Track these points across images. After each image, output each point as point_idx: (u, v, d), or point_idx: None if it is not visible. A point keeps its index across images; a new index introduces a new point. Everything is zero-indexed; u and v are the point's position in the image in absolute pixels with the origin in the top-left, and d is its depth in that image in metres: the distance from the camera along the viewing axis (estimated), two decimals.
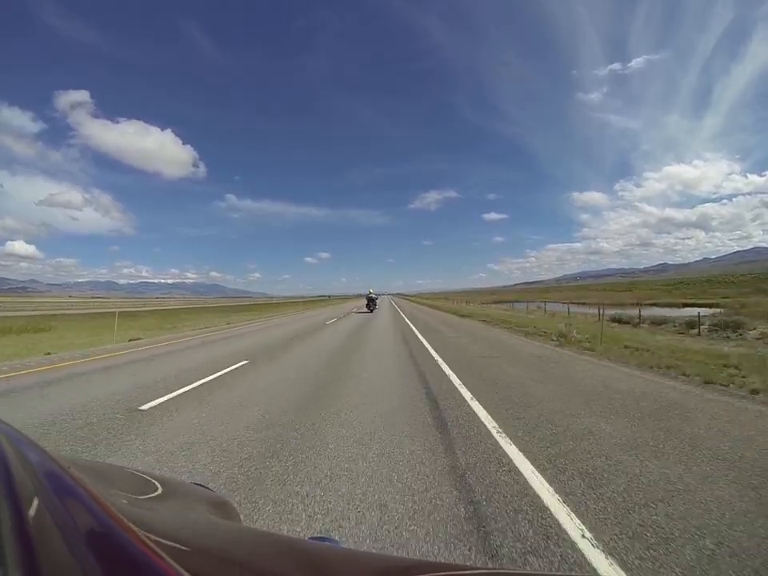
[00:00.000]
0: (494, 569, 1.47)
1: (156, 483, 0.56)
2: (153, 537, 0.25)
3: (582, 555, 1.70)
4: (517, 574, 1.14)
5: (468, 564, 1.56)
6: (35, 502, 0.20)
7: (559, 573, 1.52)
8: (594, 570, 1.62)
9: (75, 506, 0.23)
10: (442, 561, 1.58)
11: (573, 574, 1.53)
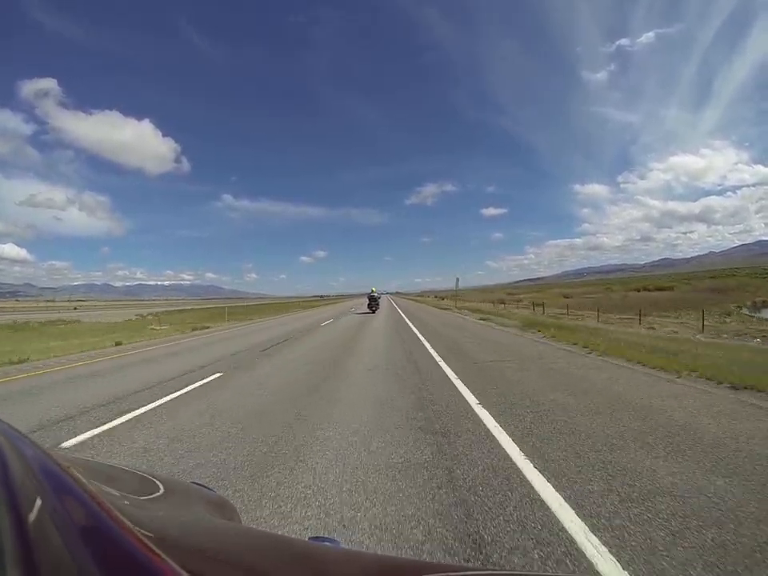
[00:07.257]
0: (494, 569, 1.46)
1: (155, 483, 0.56)
2: (152, 537, 0.25)
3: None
4: (517, 575, 1.14)
5: (468, 565, 1.56)
6: (34, 502, 0.20)
7: (559, 573, 1.52)
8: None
9: (74, 506, 0.23)
10: (440, 558, 1.58)
11: (573, 574, 1.53)
